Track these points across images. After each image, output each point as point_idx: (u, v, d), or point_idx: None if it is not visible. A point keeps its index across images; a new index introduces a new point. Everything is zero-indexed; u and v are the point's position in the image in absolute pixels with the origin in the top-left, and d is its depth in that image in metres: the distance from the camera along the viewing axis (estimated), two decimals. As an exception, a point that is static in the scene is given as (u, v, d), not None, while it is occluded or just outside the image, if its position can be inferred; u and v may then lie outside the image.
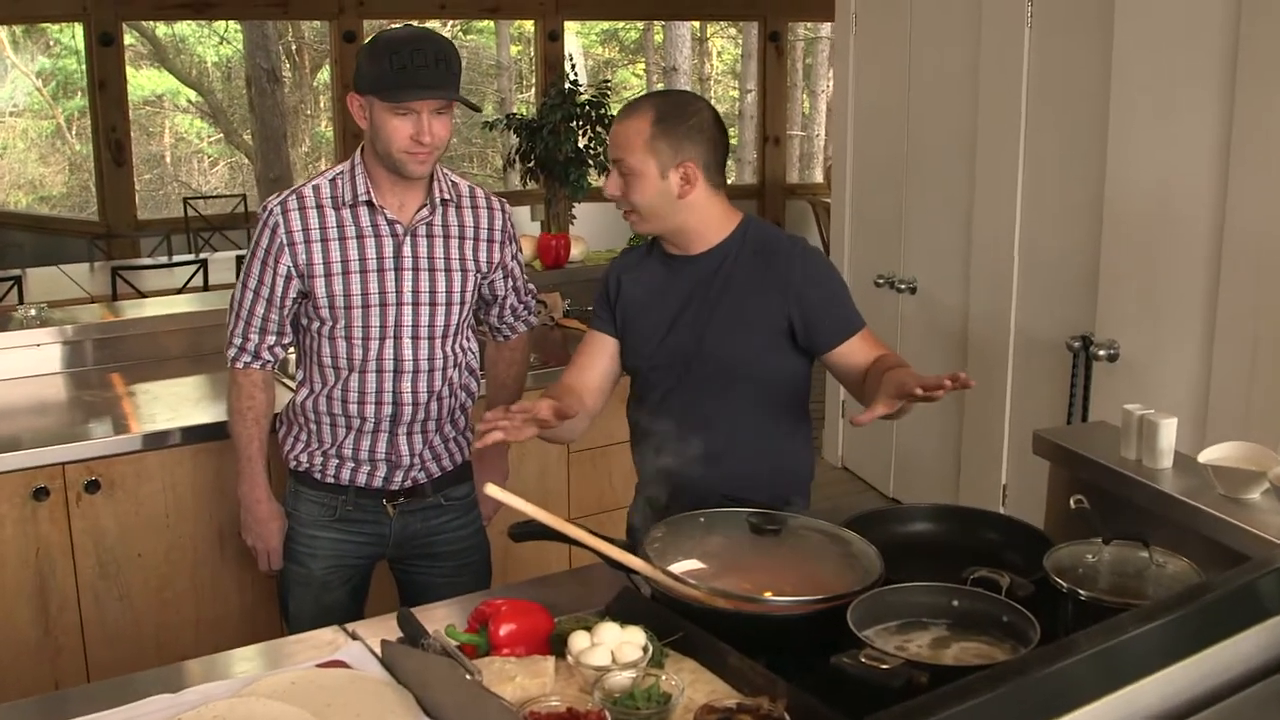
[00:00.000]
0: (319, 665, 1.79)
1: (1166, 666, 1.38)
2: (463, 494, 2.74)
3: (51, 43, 15.59)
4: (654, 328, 2.40)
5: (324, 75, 16.46)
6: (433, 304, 2.56)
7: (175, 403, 3.37)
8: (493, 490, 1.84)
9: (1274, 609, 1.52)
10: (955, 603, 1.72)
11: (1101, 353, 3.75)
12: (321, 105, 16.83)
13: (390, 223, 2.52)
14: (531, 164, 6.22)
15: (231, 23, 14.19)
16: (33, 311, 3.62)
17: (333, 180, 2.54)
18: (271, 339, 2.58)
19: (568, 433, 2.39)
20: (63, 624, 3.02)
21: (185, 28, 15.53)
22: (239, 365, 2.61)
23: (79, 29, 13.44)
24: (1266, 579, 1.54)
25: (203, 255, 6.87)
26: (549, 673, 1.69)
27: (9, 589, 2.95)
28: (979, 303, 4.59)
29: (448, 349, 2.60)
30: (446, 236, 2.58)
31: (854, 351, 2.31)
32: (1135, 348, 3.69)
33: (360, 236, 2.51)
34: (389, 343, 2.53)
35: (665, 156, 2.27)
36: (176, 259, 6.80)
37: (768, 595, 1.78)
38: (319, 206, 2.51)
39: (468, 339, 2.68)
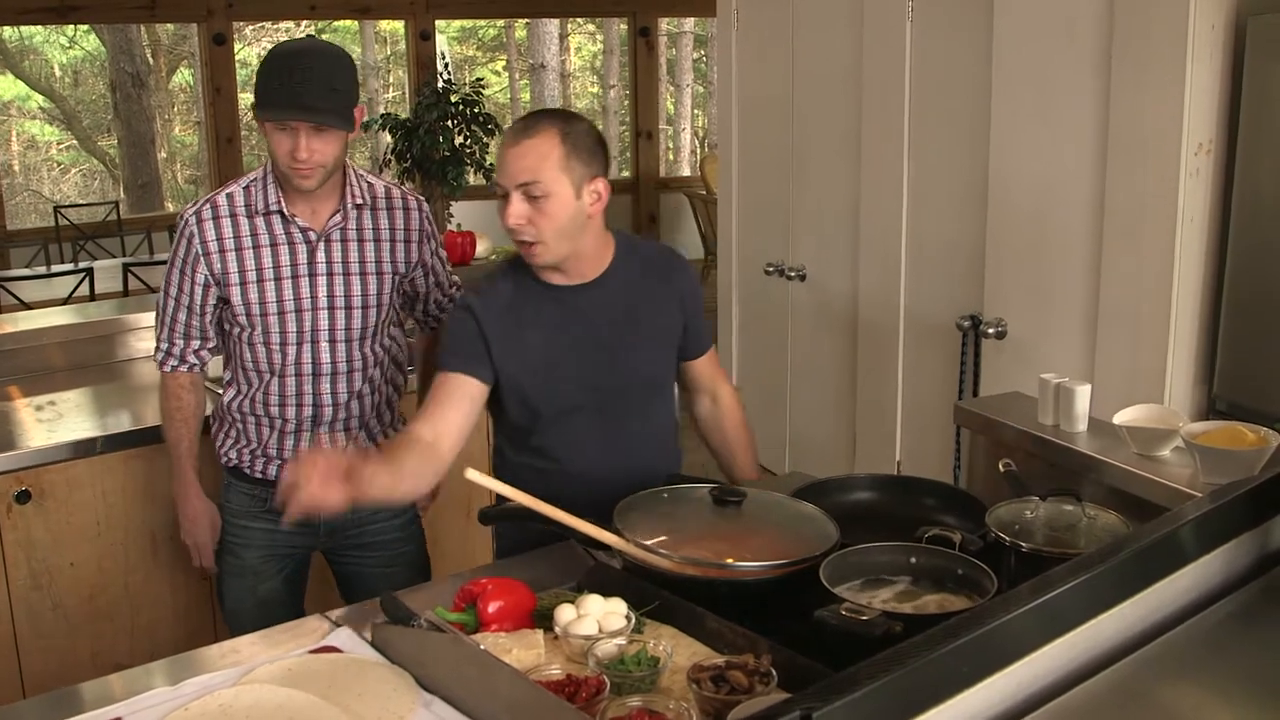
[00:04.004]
0: (311, 652, 1.86)
1: (1116, 605, 1.52)
2: None
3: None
4: (559, 367, 2.32)
5: (181, 78, 16.15)
6: (348, 308, 2.61)
7: (94, 411, 3.37)
8: (472, 475, 1.93)
9: (1195, 554, 1.68)
10: (913, 559, 1.86)
11: (990, 330, 3.95)
12: (176, 110, 16.50)
13: (303, 230, 2.57)
14: (408, 164, 6.25)
15: (81, 26, 13.86)
16: (-61, 324, 3.57)
17: (246, 188, 2.58)
18: (195, 344, 2.65)
19: (412, 490, 2.25)
20: (-5, 635, 3.01)
21: (33, 31, 15.09)
22: (166, 369, 2.68)
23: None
24: (1186, 528, 1.71)
25: (83, 265, 6.75)
26: (541, 644, 1.78)
27: (-59, 604, 2.93)
28: (868, 288, 4.76)
29: (366, 350, 2.66)
30: (361, 240, 2.62)
31: (704, 362, 2.55)
32: (1022, 325, 3.90)
33: (274, 244, 2.56)
34: (306, 347, 2.60)
35: (578, 174, 2.20)
36: (55, 269, 6.67)
37: (732, 561, 1.90)
38: (233, 215, 2.55)
39: (390, 337, 2.73)
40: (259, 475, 2.69)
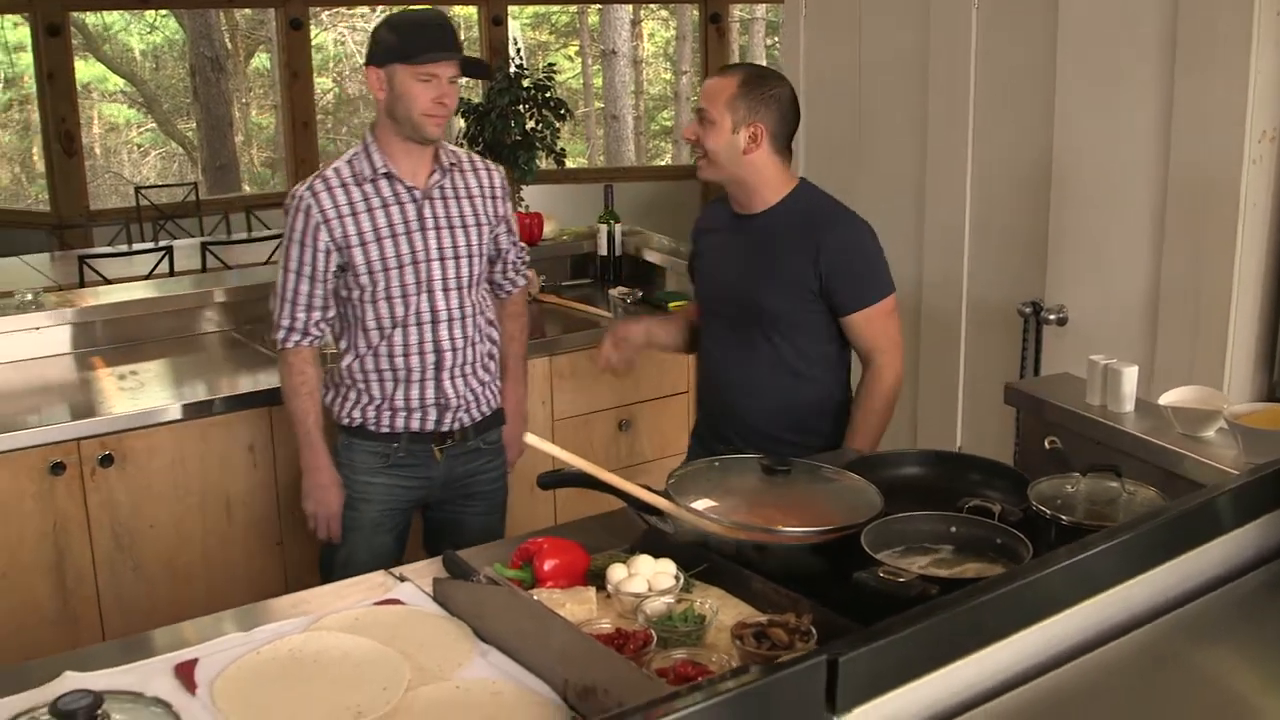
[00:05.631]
0: (376, 604, 1.96)
1: (1146, 571, 1.58)
2: (496, 438, 3.03)
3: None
4: (716, 276, 2.85)
5: (258, 62, 16.41)
6: (456, 257, 2.85)
7: (173, 381, 3.52)
8: (532, 440, 2.02)
9: (1228, 526, 1.72)
10: (953, 529, 1.92)
11: (1051, 317, 3.97)
12: (253, 94, 16.77)
13: (409, 189, 2.80)
14: (480, 148, 6.34)
15: (161, 11, 14.13)
16: (29, 296, 3.71)
17: (349, 161, 2.81)
18: (317, 314, 2.83)
19: (664, 342, 3.08)
20: (80, 595, 3.15)
21: (114, 16, 15.41)
22: (289, 345, 2.85)
23: (6, 20, 13.33)
24: (1220, 500, 1.75)
25: (163, 243, 6.93)
26: (593, 600, 1.87)
27: (29, 563, 3.07)
28: (932, 274, 4.79)
29: (473, 298, 2.91)
30: (457, 197, 2.88)
31: (854, 324, 2.72)
32: (1083, 311, 3.91)
33: (385, 205, 2.79)
34: (424, 296, 2.82)
35: (740, 114, 2.65)
36: (136, 247, 6.86)
37: (779, 527, 1.98)
38: (343, 185, 2.77)
39: (485, 291, 2.98)
40: (385, 430, 2.87)
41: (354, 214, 2.76)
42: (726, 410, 2.84)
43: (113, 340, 3.82)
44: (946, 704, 1.34)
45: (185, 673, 1.75)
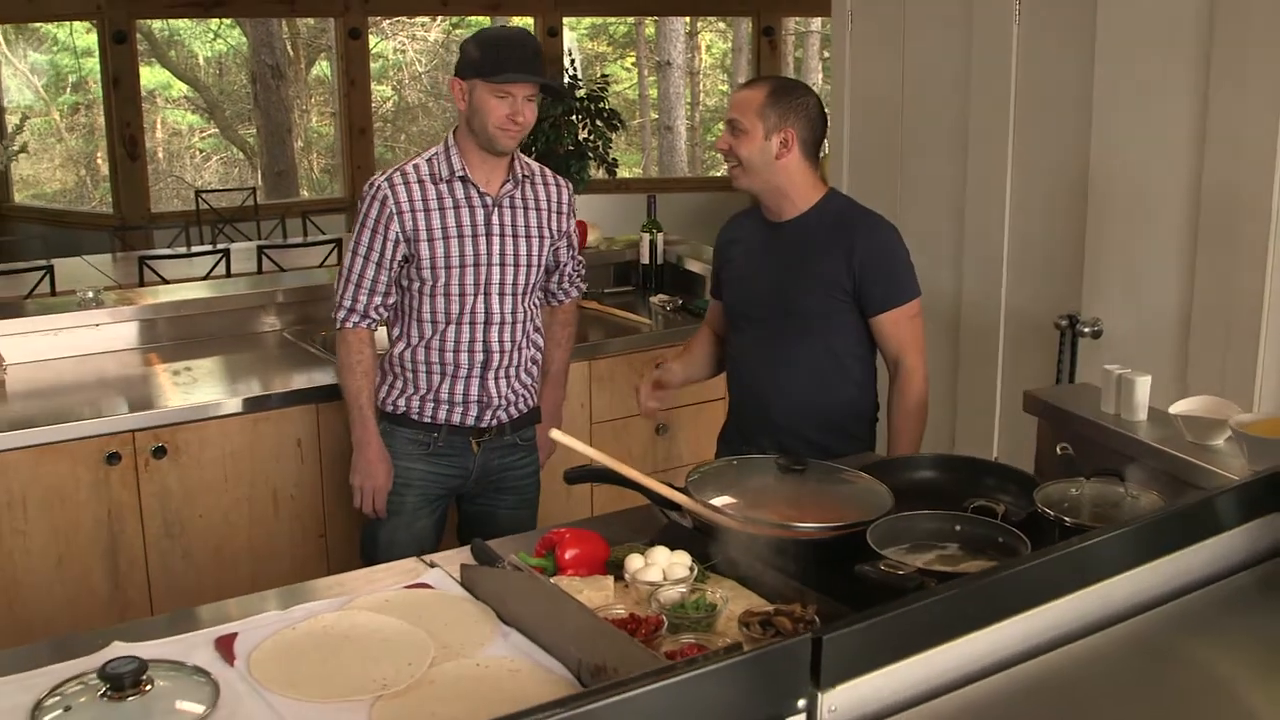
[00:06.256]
0: (406, 587, 2.07)
1: (1131, 569, 1.65)
2: (531, 435, 3.14)
3: (44, 40, 15.78)
4: (750, 282, 2.93)
5: (319, 70, 16.67)
6: (515, 265, 2.97)
7: (225, 378, 3.65)
8: (557, 435, 2.12)
9: (1219, 528, 1.79)
10: (958, 527, 2.00)
11: (1086, 330, 4.01)
12: (313, 101, 17.04)
13: (481, 194, 2.92)
14: (533, 156, 6.43)
15: (225, 20, 14.41)
16: (90, 294, 3.87)
17: (429, 160, 2.94)
18: (378, 299, 2.95)
19: (710, 370, 3.16)
20: (132, 580, 3.28)
21: (180, 24, 15.71)
22: (349, 325, 2.97)
23: (75, 26, 13.64)
24: (1212, 502, 1.82)
25: (221, 246, 7.11)
26: (610, 588, 1.97)
27: (84, 547, 3.21)
28: (971, 288, 4.84)
29: (526, 305, 3.03)
30: (525, 208, 3.00)
31: (884, 324, 2.84)
32: (1118, 325, 3.96)
33: (456, 207, 2.91)
34: (480, 298, 2.94)
35: (771, 122, 2.75)
36: (195, 249, 7.04)
37: (791, 522, 2.06)
38: (420, 181, 2.91)
39: (536, 300, 3.09)
40: (427, 420, 3.00)
41: (426, 210, 2.88)
42: (761, 414, 2.92)
43: (169, 337, 3.96)
44: (931, 685, 1.42)
45: (225, 645, 1.86)
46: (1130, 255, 3.87)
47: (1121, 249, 3.91)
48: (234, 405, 3.36)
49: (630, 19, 16.46)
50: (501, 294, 2.96)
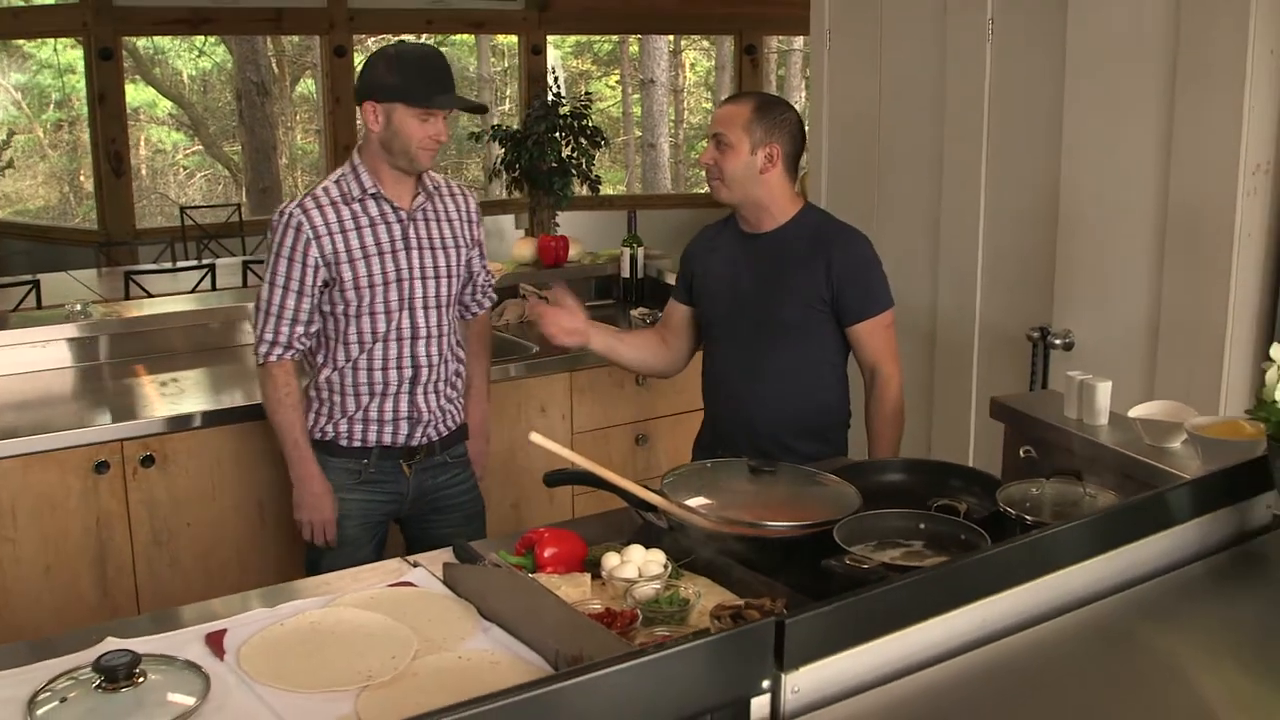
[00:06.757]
0: (390, 586, 2.13)
1: (1088, 559, 1.72)
2: (462, 452, 3.17)
3: (27, 57, 15.81)
4: (726, 292, 2.98)
5: (304, 87, 16.74)
6: (436, 277, 3.00)
7: (210, 388, 3.72)
8: (537, 439, 2.19)
9: (1178, 519, 1.86)
10: (922, 525, 2.07)
11: (1057, 341, 4.10)
12: (298, 118, 17.10)
13: (395, 209, 2.95)
14: (516, 174, 6.51)
15: (211, 37, 14.47)
16: (78, 307, 3.93)
17: (337, 182, 2.96)
18: (300, 329, 2.93)
19: (630, 354, 3.13)
20: (120, 587, 3.34)
21: (165, 41, 15.77)
22: (272, 359, 2.94)
23: (56, 44, 13.68)
24: (1165, 497, 1.90)
25: (206, 261, 7.17)
26: (587, 584, 2.04)
27: (73, 554, 3.26)
28: (946, 300, 4.93)
29: (449, 317, 3.06)
30: (439, 220, 3.04)
31: (860, 333, 2.91)
32: (1088, 336, 4.04)
33: (373, 225, 2.93)
34: (405, 313, 2.96)
35: (757, 137, 2.83)
36: (180, 265, 7.10)
37: (761, 521, 2.14)
38: (332, 203, 2.92)
39: (456, 312, 3.12)
40: (357, 444, 3.00)
41: (344, 231, 2.88)
42: (739, 422, 2.98)
43: (156, 350, 4.03)
44: (893, 667, 1.49)
45: (215, 641, 1.92)
46: (1100, 269, 3.96)
47: (1091, 263, 4.00)
48: (221, 415, 3.41)
49: (614, 37, 16.57)
50: (425, 307, 2.98)
